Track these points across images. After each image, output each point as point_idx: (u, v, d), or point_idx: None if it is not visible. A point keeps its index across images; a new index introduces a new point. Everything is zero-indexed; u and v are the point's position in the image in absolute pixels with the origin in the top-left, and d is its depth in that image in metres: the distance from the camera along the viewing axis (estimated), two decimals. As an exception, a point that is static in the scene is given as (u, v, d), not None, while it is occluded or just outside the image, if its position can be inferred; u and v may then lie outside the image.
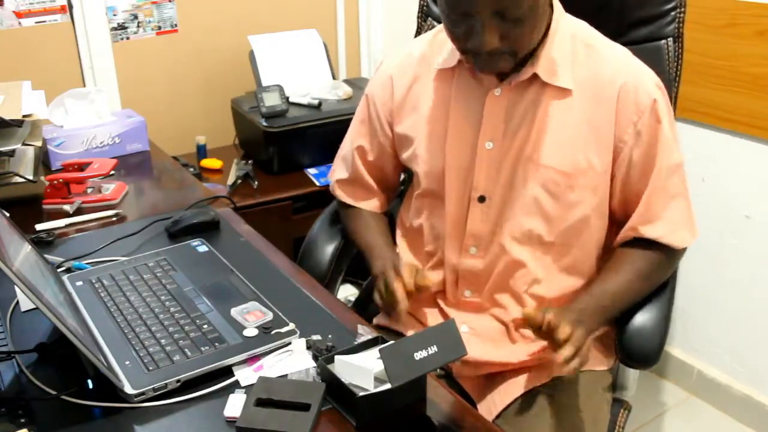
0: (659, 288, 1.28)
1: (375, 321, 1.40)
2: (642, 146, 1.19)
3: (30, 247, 1.13)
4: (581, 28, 1.23)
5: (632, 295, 1.24)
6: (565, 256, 1.25)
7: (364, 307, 1.51)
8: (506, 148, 1.22)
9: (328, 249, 1.50)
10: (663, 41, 1.36)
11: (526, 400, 1.23)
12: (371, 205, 1.46)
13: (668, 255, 1.25)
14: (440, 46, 1.28)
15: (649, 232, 1.22)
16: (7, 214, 1.23)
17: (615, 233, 1.28)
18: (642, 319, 1.25)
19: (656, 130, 1.18)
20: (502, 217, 1.24)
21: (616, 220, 1.27)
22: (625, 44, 1.35)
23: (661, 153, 1.19)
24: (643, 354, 1.24)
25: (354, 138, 1.43)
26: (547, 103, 1.19)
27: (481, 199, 1.24)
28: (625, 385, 1.35)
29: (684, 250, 1.28)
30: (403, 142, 1.34)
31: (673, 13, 1.35)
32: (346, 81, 2.41)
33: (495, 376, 1.29)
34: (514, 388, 1.25)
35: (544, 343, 1.23)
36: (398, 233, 1.43)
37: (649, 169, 1.20)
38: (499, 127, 1.21)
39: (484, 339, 1.27)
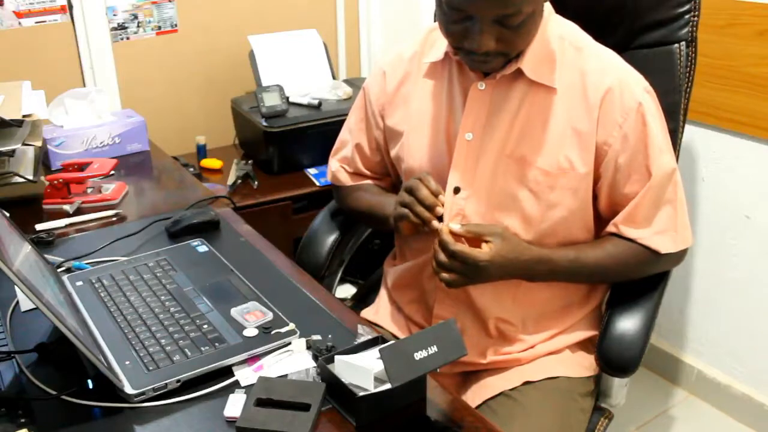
0: (644, 297, 1.26)
1: (362, 314, 1.41)
2: (629, 150, 1.17)
3: (30, 247, 1.13)
4: (570, 30, 1.22)
5: (596, 269, 1.23)
6: None
7: (361, 305, 1.51)
8: (486, 142, 1.21)
9: (328, 240, 1.51)
10: (675, 45, 1.33)
11: (497, 402, 1.23)
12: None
13: (650, 255, 1.22)
14: (431, 44, 1.29)
15: (628, 232, 1.21)
16: (7, 214, 1.22)
17: (598, 235, 1.26)
18: (624, 326, 1.23)
19: (644, 135, 1.16)
20: (477, 210, 1.23)
21: (604, 222, 1.25)
22: (636, 48, 1.33)
23: (654, 160, 1.17)
24: (621, 362, 1.22)
25: (354, 134, 1.44)
26: (530, 101, 1.19)
27: (456, 190, 1.24)
28: (608, 393, 1.32)
29: (668, 258, 1.24)
30: (392, 136, 1.35)
31: (686, 17, 1.32)
32: (346, 81, 2.41)
33: (470, 375, 1.29)
34: (484, 390, 1.25)
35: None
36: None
37: (638, 175, 1.18)
38: (480, 119, 1.21)
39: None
